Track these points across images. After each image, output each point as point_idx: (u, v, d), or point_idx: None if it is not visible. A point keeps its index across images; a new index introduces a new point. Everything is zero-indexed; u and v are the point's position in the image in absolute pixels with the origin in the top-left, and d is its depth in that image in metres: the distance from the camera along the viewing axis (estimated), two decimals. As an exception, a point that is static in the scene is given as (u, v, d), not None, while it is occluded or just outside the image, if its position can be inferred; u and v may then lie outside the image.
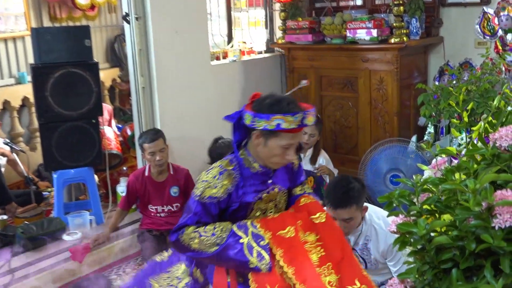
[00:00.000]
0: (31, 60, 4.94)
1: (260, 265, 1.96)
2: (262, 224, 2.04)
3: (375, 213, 2.61)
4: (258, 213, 2.14)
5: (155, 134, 3.87)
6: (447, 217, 1.18)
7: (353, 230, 2.57)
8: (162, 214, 3.98)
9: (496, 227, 1.02)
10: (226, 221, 2.09)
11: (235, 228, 2.04)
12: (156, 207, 3.98)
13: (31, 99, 5.13)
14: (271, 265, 1.96)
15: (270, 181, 2.14)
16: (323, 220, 2.11)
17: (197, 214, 2.06)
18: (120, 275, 3.74)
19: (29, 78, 5.06)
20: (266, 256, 1.97)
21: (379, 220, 2.57)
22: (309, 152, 4.15)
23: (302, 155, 4.01)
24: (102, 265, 3.87)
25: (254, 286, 1.98)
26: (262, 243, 1.99)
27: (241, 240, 2.00)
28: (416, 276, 1.18)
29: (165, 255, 2.44)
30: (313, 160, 4.24)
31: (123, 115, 6.22)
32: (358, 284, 1.99)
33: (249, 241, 2.00)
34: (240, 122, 2.06)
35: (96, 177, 4.67)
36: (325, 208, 2.37)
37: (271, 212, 2.18)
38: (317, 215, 2.12)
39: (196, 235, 2.03)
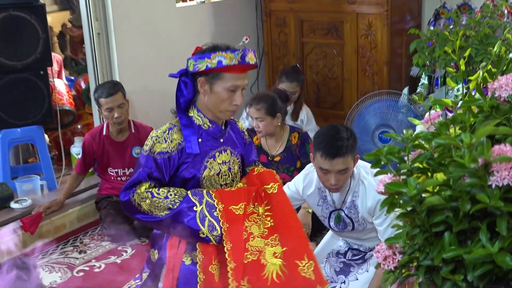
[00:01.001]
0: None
1: (211, 236, 2.14)
2: (216, 195, 2.20)
3: (364, 168, 2.66)
4: (212, 173, 2.28)
5: (112, 88, 3.82)
6: (440, 175, 1.20)
7: (344, 185, 2.61)
8: (124, 178, 3.98)
9: (493, 186, 1.03)
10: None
11: (190, 194, 2.19)
12: (116, 170, 3.97)
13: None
14: (220, 239, 2.14)
15: (222, 140, 2.31)
16: (275, 191, 2.30)
17: (148, 167, 2.21)
18: (77, 246, 3.76)
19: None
20: (218, 227, 2.15)
21: (368, 175, 2.62)
22: (290, 108, 4.18)
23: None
24: (56, 235, 3.88)
25: (201, 257, 2.18)
26: (215, 213, 2.16)
27: (194, 208, 2.16)
28: (406, 240, 1.21)
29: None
30: (295, 115, 4.27)
31: (75, 66, 6.11)
32: (306, 259, 2.20)
33: (203, 209, 2.16)
34: (186, 79, 2.24)
35: (46, 136, 4.62)
36: (317, 160, 2.53)
37: (225, 175, 2.32)
38: (270, 185, 2.31)
39: (148, 195, 2.17)
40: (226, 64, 2.13)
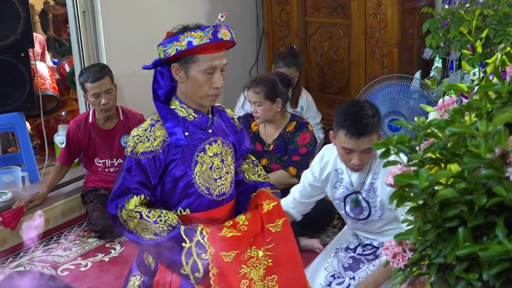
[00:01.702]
0: None
1: (191, 275, 2.13)
2: (210, 237, 2.17)
3: None
4: (204, 168, 2.26)
5: (99, 71, 3.82)
6: (454, 167, 1.20)
7: (366, 165, 2.64)
8: (112, 169, 3.99)
9: (511, 178, 1.04)
10: (172, 212, 2.23)
11: (182, 230, 2.16)
12: (103, 160, 3.98)
13: None
14: (201, 281, 2.14)
15: (210, 130, 2.28)
16: (279, 230, 2.28)
17: (130, 170, 2.18)
18: (61, 243, 3.77)
19: None
20: (201, 270, 2.13)
21: None
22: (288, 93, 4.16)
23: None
24: (39, 231, 3.89)
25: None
26: (203, 256, 2.13)
27: (183, 244, 2.14)
28: (417, 237, 1.21)
29: None
30: (294, 102, 4.26)
31: (59, 47, 6.11)
32: None
33: (191, 248, 2.14)
34: (162, 70, 2.23)
35: (28, 124, 4.62)
36: (340, 139, 2.56)
37: (218, 168, 2.30)
38: (275, 223, 2.29)
39: (137, 216, 2.14)
40: (197, 44, 2.10)
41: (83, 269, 3.48)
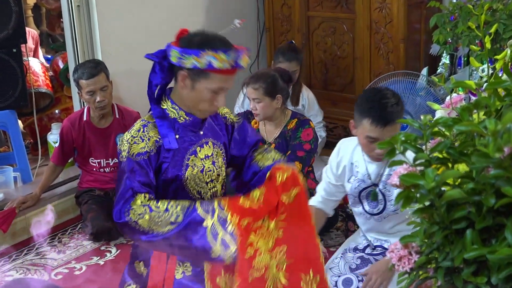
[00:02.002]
0: None
1: (224, 255, 2.05)
2: (229, 206, 2.11)
3: None
4: (195, 171, 2.26)
5: (94, 68, 3.82)
6: (461, 166, 1.20)
7: None
8: (107, 169, 3.99)
9: (521, 178, 1.04)
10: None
11: (198, 207, 2.10)
12: (98, 160, 3.98)
13: None
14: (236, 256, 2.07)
15: (201, 132, 2.27)
16: (291, 201, 2.23)
17: (134, 171, 2.15)
18: (55, 246, 3.77)
19: None
20: (232, 245, 2.05)
21: None
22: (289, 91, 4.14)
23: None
24: (31, 234, 3.89)
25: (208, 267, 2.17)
26: (229, 228, 2.07)
27: (204, 223, 2.07)
28: (423, 239, 1.21)
29: None
30: (295, 99, 4.26)
31: (52, 43, 6.11)
32: (311, 273, 2.22)
33: (214, 224, 2.07)
34: (164, 63, 2.20)
35: (20, 122, 4.62)
36: (364, 128, 2.56)
37: (209, 171, 2.30)
38: (290, 191, 2.23)
39: (146, 211, 2.09)
40: (217, 67, 2.08)
41: (77, 272, 3.48)
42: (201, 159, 2.27)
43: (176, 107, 2.24)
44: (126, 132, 2.24)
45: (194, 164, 2.25)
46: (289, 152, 3.63)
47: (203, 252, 2.06)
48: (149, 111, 2.29)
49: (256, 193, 2.19)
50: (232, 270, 2.14)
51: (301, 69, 4.36)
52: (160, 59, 2.20)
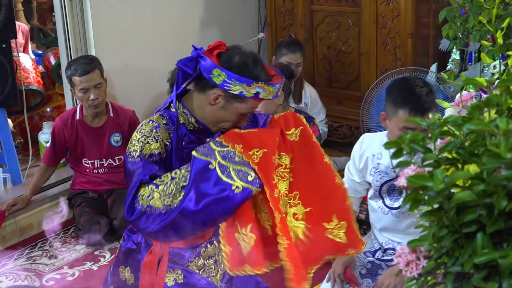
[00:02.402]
0: None
1: (248, 185, 2.00)
2: (227, 139, 2.09)
3: None
4: None
5: (88, 64, 3.82)
6: (472, 167, 1.21)
7: None
8: (101, 170, 3.99)
9: (534, 179, 1.05)
10: None
11: (195, 154, 2.07)
12: (92, 161, 3.98)
13: None
14: (260, 180, 2.01)
15: (208, 140, 2.26)
16: (297, 139, 2.21)
17: (146, 169, 2.14)
18: (46, 251, 3.78)
19: None
20: (250, 171, 2.01)
21: None
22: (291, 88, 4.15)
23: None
24: (22, 237, 3.90)
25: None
26: (236, 158, 2.04)
27: (210, 166, 2.03)
28: (432, 243, 1.22)
29: None
30: (297, 96, 4.27)
31: (43, 38, 6.11)
32: (335, 220, 2.15)
33: (220, 162, 2.03)
34: (190, 71, 2.18)
35: (10, 121, 4.62)
36: (399, 118, 2.57)
37: None
38: (291, 131, 2.22)
39: (153, 188, 2.08)
40: (262, 98, 2.16)
41: (70, 278, 3.49)
42: None
43: (187, 112, 2.26)
44: (136, 133, 2.23)
45: None
46: None
47: (226, 197, 2.01)
48: (156, 112, 2.29)
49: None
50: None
51: (303, 65, 4.37)
52: (192, 70, 2.19)
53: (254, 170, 2.01)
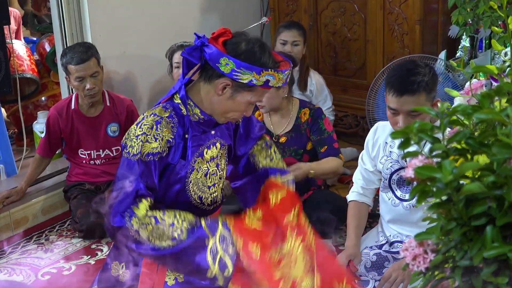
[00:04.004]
0: None
1: (219, 275, 2.10)
2: (235, 227, 2.15)
3: None
4: (199, 175, 2.30)
5: (84, 52, 3.82)
6: (481, 158, 1.21)
7: None
8: (98, 162, 4.00)
9: (546, 170, 1.05)
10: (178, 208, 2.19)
11: (204, 225, 2.13)
12: (88, 152, 3.99)
13: None
14: (230, 279, 2.12)
15: (213, 132, 2.31)
16: (296, 220, 2.28)
17: (143, 176, 2.14)
18: (41, 244, 3.79)
19: None
20: (230, 267, 2.11)
21: None
22: (295, 74, 4.14)
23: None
24: (17, 230, 3.91)
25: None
26: (230, 250, 2.11)
27: (206, 241, 2.10)
28: (440, 236, 1.22)
29: None
30: (302, 84, 4.26)
31: (38, 24, 6.10)
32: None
33: (215, 243, 2.10)
34: (195, 60, 2.18)
35: (3, 111, 4.63)
36: (386, 98, 2.65)
37: (213, 174, 2.35)
38: (291, 212, 2.28)
39: (151, 221, 2.08)
40: (271, 85, 2.18)
41: (66, 273, 3.50)
42: (207, 161, 2.31)
43: (191, 103, 2.24)
44: (135, 126, 2.20)
45: (200, 167, 2.29)
46: (325, 147, 3.60)
47: (198, 270, 2.11)
48: (158, 103, 2.28)
49: (253, 220, 2.24)
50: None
51: (307, 52, 4.37)
52: (198, 59, 2.19)
53: (235, 267, 2.10)
